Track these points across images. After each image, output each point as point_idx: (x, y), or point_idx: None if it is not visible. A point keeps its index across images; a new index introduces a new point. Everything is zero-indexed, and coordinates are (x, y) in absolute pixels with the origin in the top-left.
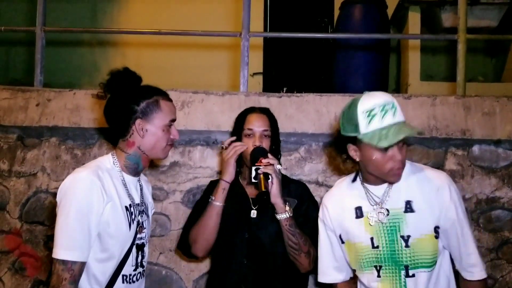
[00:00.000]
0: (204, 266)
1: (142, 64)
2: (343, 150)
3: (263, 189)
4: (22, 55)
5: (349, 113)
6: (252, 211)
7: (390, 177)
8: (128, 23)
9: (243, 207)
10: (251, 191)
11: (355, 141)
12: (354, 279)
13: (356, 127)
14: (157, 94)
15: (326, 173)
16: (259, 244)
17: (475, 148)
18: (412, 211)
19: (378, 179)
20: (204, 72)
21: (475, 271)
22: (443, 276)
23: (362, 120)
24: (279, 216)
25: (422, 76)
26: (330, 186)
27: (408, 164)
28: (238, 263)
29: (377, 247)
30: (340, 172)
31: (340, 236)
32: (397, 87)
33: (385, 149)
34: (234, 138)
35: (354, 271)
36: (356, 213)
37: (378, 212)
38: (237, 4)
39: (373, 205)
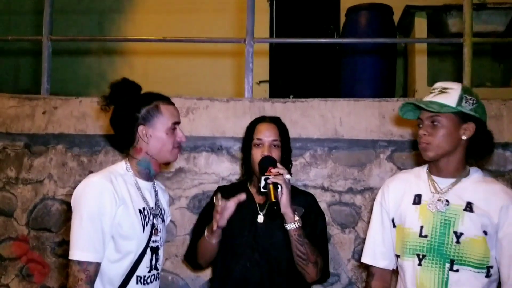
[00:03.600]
0: (210, 271)
1: (149, 73)
2: None
3: (273, 200)
4: (31, 66)
5: None
6: (259, 216)
7: (421, 152)
8: (135, 33)
9: (250, 212)
10: (258, 198)
11: None
12: (390, 274)
13: None
14: (157, 99)
15: (331, 178)
16: (264, 249)
17: None
18: (471, 211)
19: (442, 170)
20: (209, 80)
21: None
22: None
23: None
24: (288, 226)
25: (429, 82)
26: (335, 191)
27: (481, 173)
28: (242, 267)
29: (425, 236)
30: (346, 178)
31: (393, 220)
32: (404, 93)
33: (420, 126)
34: (218, 201)
35: (396, 258)
36: (415, 199)
37: (438, 200)
38: (242, 12)
39: (433, 192)
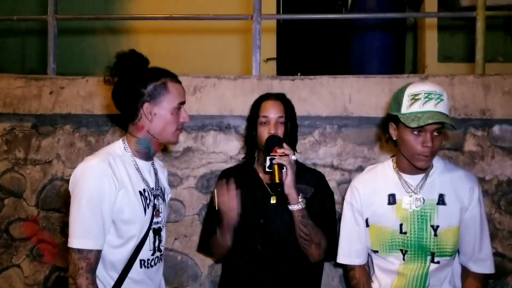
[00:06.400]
0: None
1: (155, 52)
2: (386, 129)
3: (278, 181)
4: (38, 47)
5: (398, 94)
6: (271, 197)
7: (417, 161)
8: (140, 11)
9: (259, 194)
10: (265, 177)
11: (396, 120)
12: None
13: (399, 106)
14: (165, 76)
15: (341, 157)
16: (274, 231)
17: (496, 129)
18: (444, 203)
19: (411, 167)
20: (216, 58)
21: (487, 264)
22: (456, 266)
23: (406, 101)
24: (291, 207)
25: (439, 58)
26: (345, 170)
27: (442, 162)
28: (252, 248)
29: (405, 233)
30: (355, 156)
31: (366, 220)
32: (414, 69)
33: (418, 132)
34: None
35: (374, 252)
36: (389, 199)
37: (415, 199)
38: None
39: (409, 193)
